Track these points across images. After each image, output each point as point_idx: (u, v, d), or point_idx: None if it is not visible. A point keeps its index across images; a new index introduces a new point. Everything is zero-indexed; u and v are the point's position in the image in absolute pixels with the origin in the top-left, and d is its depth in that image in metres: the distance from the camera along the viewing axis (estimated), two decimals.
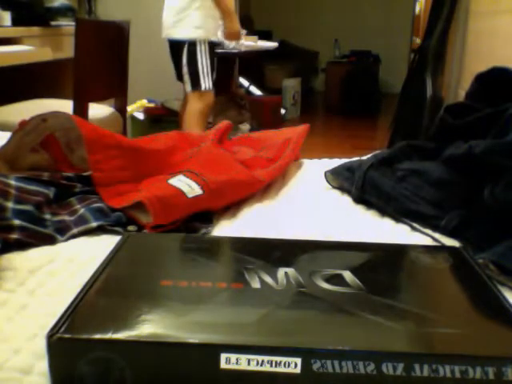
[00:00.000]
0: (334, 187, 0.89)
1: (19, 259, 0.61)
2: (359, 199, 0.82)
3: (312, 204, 0.82)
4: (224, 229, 0.72)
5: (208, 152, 0.91)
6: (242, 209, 0.80)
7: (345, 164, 0.91)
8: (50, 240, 0.66)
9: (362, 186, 0.82)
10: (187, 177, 0.77)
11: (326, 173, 0.91)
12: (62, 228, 0.68)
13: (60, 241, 0.66)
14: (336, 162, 0.95)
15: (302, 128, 1.03)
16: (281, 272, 0.48)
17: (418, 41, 3.56)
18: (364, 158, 0.93)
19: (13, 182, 0.72)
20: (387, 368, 0.37)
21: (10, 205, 0.68)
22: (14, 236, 0.64)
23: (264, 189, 0.88)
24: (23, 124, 0.84)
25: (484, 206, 0.67)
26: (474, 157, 0.69)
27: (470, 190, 0.70)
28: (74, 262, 0.60)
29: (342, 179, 0.88)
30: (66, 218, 0.71)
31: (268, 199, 0.84)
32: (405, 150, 0.85)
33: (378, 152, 0.93)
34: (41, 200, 0.72)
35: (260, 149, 0.99)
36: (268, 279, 0.47)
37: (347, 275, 0.48)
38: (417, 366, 0.37)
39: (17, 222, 0.65)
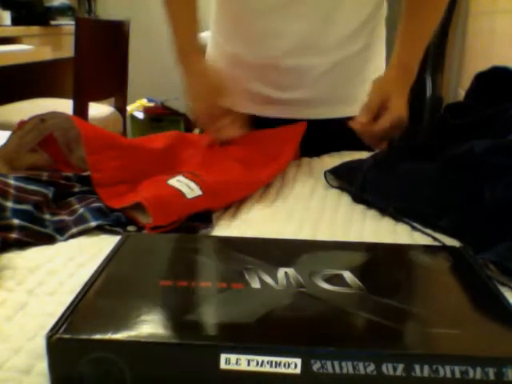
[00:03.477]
0: (333, 187, 0.89)
1: (18, 258, 0.61)
2: (359, 199, 0.82)
3: (312, 204, 0.82)
4: (224, 229, 0.72)
5: (207, 152, 0.91)
6: (241, 209, 0.80)
7: (345, 164, 0.91)
8: (49, 239, 0.66)
9: (361, 186, 0.82)
10: (186, 177, 0.77)
11: (325, 172, 0.90)
12: (61, 228, 0.68)
13: (59, 240, 0.66)
14: (336, 162, 0.95)
15: (300, 126, 1.03)
16: (281, 272, 0.48)
17: None
18: (364, 157, 0.93)
19: (12, 182, 0.72)
20: (387, 368, 0.37)
21: (9, 204, 0.68)
22: (14, 236, 0.64)
23: (264, 189, 0.88)
24: (22, 124, 0.84)
25: (484, 205, 0.66)
26: (475, 157, 0.69)
27: (471, 189, 0.70)
28: (73, 261, 0.60)
29: (342, 179, 0.88)
30: (66, 217, 0.71)
31: (268, 199, 0.84)
32: (405, 150, 0.85)
33: (377, 152, 0.93)
34: (40, 200, 0.72)
35: (259, 148, 0.99)
36: (268, 279, 0.47)
37: (347, 275, 0.48)
38: (417, 367, 0.37)
39: (16, 221, 0.65)
